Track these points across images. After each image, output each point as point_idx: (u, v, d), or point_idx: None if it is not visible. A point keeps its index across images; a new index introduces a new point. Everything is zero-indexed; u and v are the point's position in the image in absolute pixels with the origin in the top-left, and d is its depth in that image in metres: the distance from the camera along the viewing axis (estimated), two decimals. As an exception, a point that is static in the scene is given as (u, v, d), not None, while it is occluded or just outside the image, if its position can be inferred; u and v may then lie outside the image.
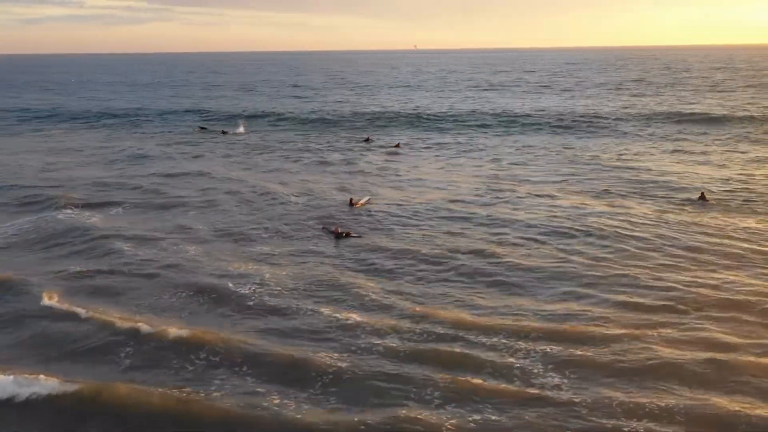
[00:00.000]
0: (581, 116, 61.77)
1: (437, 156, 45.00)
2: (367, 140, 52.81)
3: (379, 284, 20.58)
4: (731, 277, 20.43)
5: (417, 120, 63.11)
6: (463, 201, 30.96)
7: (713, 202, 29.95)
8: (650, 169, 37.59)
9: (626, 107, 68.03)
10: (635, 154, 43.15)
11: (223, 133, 58.96)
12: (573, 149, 45.75)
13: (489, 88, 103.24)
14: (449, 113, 66.26)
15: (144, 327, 17.41)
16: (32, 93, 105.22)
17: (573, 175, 36.73)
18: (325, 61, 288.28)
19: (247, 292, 19.86)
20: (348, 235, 25.69)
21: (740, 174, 36.05)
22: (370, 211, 29.66)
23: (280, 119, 66.13)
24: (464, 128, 58.27)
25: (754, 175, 35.75)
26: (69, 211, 29.75)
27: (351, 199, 31.34)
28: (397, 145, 50.16)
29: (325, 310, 18.48)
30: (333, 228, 26.39)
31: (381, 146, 49.77)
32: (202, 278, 21.08)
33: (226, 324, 17.83)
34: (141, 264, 22.54)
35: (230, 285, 20.38)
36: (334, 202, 31.69)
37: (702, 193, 30.81)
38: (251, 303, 19.12)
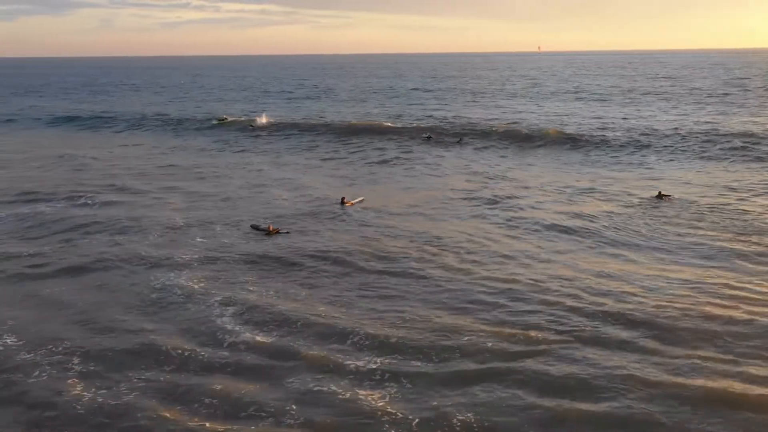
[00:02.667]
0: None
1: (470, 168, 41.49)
2: (428, 138, 52.51)
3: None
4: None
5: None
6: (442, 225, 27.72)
7: (668, 201, 30.91)
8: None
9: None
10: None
11: (251, 127, 59.79)
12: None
13: (575, 92, 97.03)
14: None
15: None
16: (123, 95, 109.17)
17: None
18: (445, 64, 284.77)
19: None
20: (277, 231, 26.52)
21: None
22: (350, 213, 29.75)
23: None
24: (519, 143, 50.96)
25: None
26: None
27: (343, 198, 31.50)
28: (459, 140, 51.08)
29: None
30: (265, 226, 26.99)
31: (439, 143, 50.52)
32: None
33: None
34: None
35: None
36: (327, 200, 32.20)
37: (659, 192, 31.82)
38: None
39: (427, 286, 20.46)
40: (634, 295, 19.40)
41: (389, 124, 60.15)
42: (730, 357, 15.64)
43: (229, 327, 17.58)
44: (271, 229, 26.66)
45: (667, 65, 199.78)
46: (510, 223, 27.76)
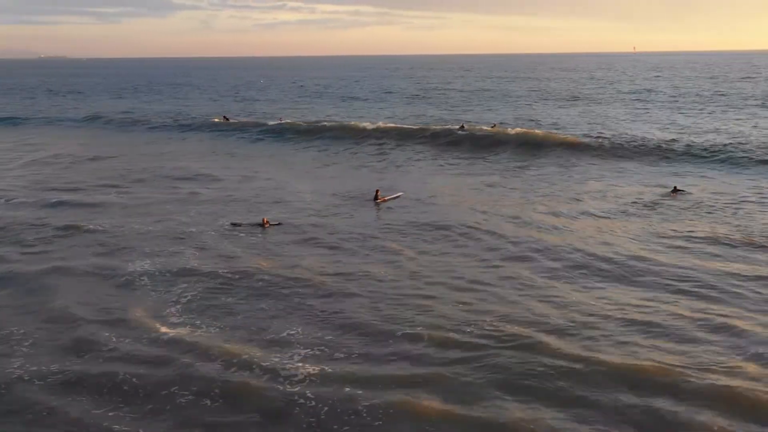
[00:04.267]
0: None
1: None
2: (461, 128, 51.50)
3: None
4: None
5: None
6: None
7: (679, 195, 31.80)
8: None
9: None
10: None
11: (281, 120, 61.18)
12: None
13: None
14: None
15: None
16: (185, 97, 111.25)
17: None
18: (531, 64, 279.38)
19: None
20: (269, 224, 27.08)
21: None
22: (380, 208, 30.60)
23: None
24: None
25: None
26: None
27: (377, 191, 31.94)
28: (494, 126, 50.94)
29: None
30: (245, 221, 27.58)
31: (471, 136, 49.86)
32: None
33: None
34: None
35: None
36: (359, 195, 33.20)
37: (675, 187, 32.98)
38: None
39: (375, 304, 19.30)
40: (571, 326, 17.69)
41: (432, 125, 57.28)
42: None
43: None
44: (265, 222, 27.02)
45: (761, 66, 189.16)
46: (493, 239, 25.78)
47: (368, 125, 57.68)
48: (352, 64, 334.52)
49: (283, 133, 57.73)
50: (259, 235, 26.21)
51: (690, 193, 32.20)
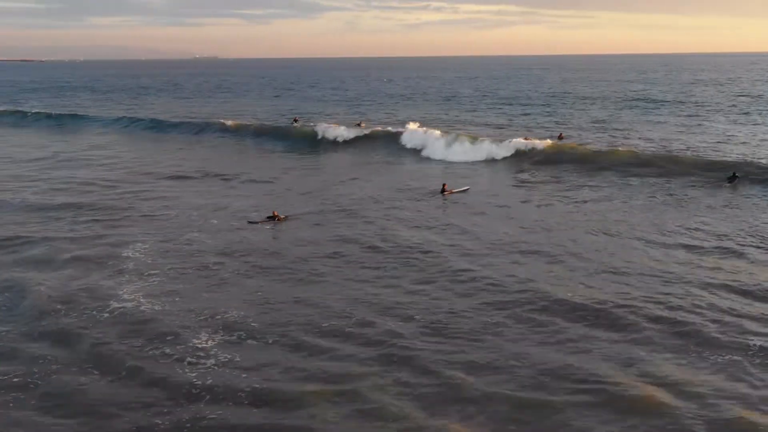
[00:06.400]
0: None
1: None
2: (560, 137, 49.43)
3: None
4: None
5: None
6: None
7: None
8: None
9: None
10: None
11: (358, 125, 59.00)
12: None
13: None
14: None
15: None
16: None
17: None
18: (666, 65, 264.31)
19: None
20: (278, 218, 28.25)
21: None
22: (446, 201, 31.48)
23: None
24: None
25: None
26: None
27: (444, 185, 32.70)
28: (560, 137, 48.95)
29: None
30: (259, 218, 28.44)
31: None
32: None
33: None
34: None
35: None
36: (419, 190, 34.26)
37: (734, 173, 33.91)
38: None
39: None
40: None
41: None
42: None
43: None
44: (275, 214, 28.16)
45: None
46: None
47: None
48: (490, 65, 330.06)
49: (341, 138, 56.49)
50: (257, 228, 27.59)
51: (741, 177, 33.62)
